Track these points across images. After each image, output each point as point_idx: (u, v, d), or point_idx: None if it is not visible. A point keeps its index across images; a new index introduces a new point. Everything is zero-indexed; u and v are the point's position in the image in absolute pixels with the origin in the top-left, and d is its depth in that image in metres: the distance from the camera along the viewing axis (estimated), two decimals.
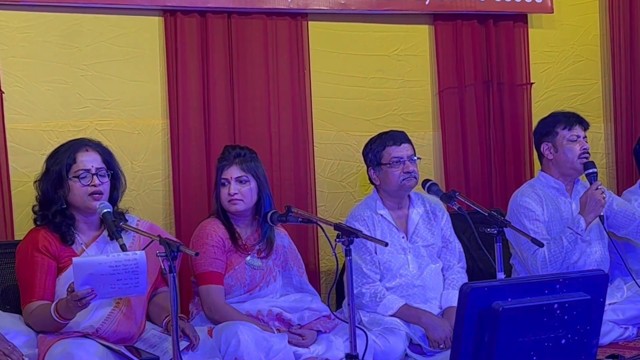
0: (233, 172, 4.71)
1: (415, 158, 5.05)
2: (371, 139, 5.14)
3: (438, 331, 4.76)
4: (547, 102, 6.44)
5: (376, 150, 5.06)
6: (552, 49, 6.59)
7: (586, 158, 5.19)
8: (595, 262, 5.18)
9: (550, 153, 5.27)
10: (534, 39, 6.45)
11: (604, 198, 5.07)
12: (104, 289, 3.76)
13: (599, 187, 5.08)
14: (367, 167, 5.12)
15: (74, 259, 3.80)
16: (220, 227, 4.71)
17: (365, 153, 5.14)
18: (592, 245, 5.20)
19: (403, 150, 5.02)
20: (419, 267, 5.04)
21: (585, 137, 5.28)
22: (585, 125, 5.31)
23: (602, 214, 5.10)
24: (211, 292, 4.60)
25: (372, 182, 5.14)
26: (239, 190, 4.69)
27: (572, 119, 5.28)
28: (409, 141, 5.09)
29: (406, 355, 4.74)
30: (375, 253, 4.98)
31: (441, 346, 4.73)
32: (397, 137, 5.06)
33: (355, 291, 4.40)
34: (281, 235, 4.91)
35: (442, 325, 4.79)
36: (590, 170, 5.13)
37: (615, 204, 5.34)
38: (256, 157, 4.83)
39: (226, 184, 4.71)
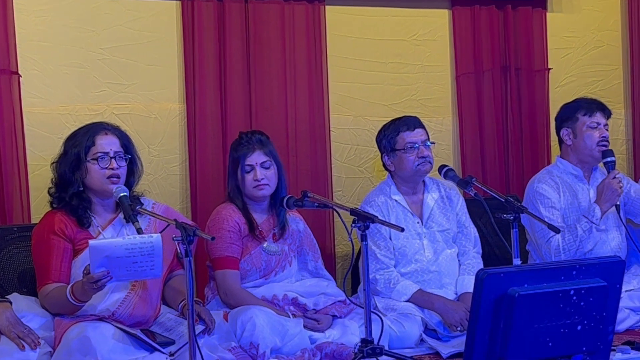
0: (257, 157, 4.72)
1: (430, 143, 5.05)
2: (384, 126, 5.14)
3: (453, 315, 4.77)
4: (567, 88, 6.43)
5: (390, 136, 5.05)
6: (573, 34, 6.57)
7: (605, 146, 5.18)
8: (612, 249, 5.17)
9: (570, 139, 5.26)
10: (554, 23, 6.43)
11: (620, 187, 5.06)
12: (120, 272, 3.78)
13: (617, 176, 5.07)
14: (381, 154, 5.12)
15: (90, 241, 3.82)
16: (236, 211, 4.72)
17: (378, 140, 5.13)
18: (609, 232, 5.19)
19: (417, 135, 5.02)
20: (434, 253, 5.05)
21: (606, 125, 5.25)
22: (607, 113, 5.28)
23: (618, 203, 5.09)
24: (227, 276, 4.62)
25: (386, 169, 5.14)
26: (265, 175, 4.71)
27: (593, 106, 5.26)
28: (422, 126, 5.08)
29: (422, 340, 4.75)
30: (390, 239, 4.99)
31: (459, 329, 4.73)
32: (411, 123, 5.05)
33: (368, 275, 4.42)
34: (296, 220, 4.93)
35: (455, 309, 4.79)
36: (609, 159, 5.12)
37: (633, 191, 5.32)
38: (271, 141, 4.85)
39: (250, 170, 4.71)
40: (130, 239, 3.79)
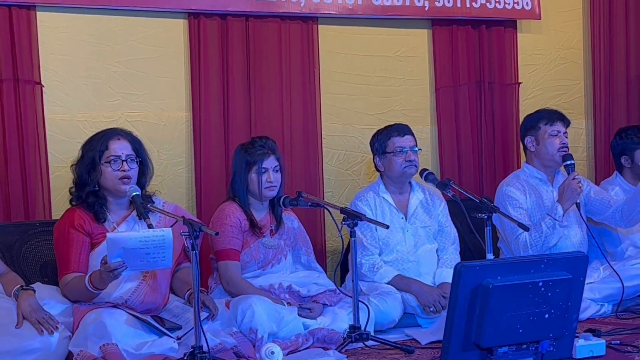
0: (272, 162, 4.73)
1: (417, 149, 5.08)
2: (378, 130, 5.16)
3: (427, 297, 4.81)
4: (535, 101, 6.43)
5: (382, 140, 5.08)
6: (540, 52, 6.58)
7: (565, 151, 5.18)
8: (574, 244, 5.19)
9: (533, 145, 5.27)
10: (523, 43, 6.44)
11: (580, 187, 5.06)
12: (134, 262, 3.79)
13: (576, 177, 5.07)
14: (374, 155, 5.15)
15: (108, 234, 3.83)
16: (238, 209, 4.72)
17: (372, 143, 5.16)
18: (571, 228, 5.20)
19: (406, 141, 5.05)
20: (414, 245, 5.07)
21: (565, 132, 5.26)
22: (566, 122, 5.29)
23: (578, 201, 5.10)
24: (229, 267, 4.63)
25: (377, 169, 5.17)
26: (275, 178, 4.72)
27: (554, 116, 5.27)
28: (411, 133, 5.11)
29: (403, 318, 4.79)
30: (376, 230, 5.00)
31: (432, 309, 4.77)
32: (401, 129, 5.09)
33: (356, 262, 4.45)
34: (291, 219, 4.93)
35: (430, 292, 4.83)
36: (569, 162, 5.13)
37: (592, 192, 5.33)
38: None
39: (264, 172, 4.70)
40: (144, 232, 3.80)
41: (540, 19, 6.41)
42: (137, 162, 4.31)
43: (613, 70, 6.72)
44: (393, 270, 4.96)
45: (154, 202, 4.32)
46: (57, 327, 3.95)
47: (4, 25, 4.97)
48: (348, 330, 4.36)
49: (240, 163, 4.75)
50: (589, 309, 4.95)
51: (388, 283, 4.91)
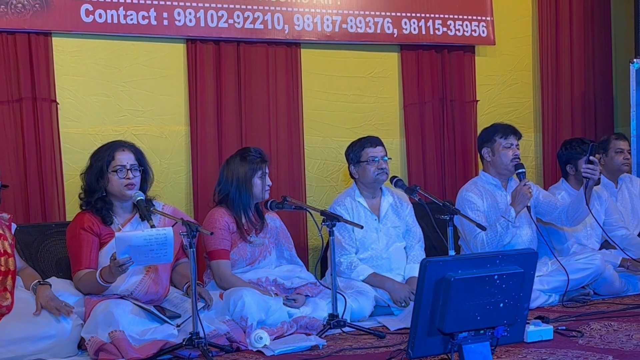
0: (267, 168, 4.72)
1: (387, 158, 5.08)
2: (352, 142, 5.15)
3: (399, 293, 4.80)
4: (490, 116, 6.44)
5: (356, 150, 5.07)
6: (495, 74, 6.61)
7: (517, 161, 5.18)
8: (525, 242, 5.20)
9: (489, 156, 5.27)
10: (480, 65, 6.46)
11: (530, 192, 5.07)
12: (140, 258, 3.79)
13: (527, 183, 5.08)
14: (349, 164, 5.13)
15: (116, 233, 3.84)
16: (226, 213, 4.69)
17: (347, 153, 5.14)
18: (522, 228, 5.21)
19: (378, 151, 5.05)
20: (386, 244, 5.06)
21: (517, 145, 5.26)
22: (518, 135, 5.30)
23: (528, 204, 5.12)
24: (220, 266, 4.60)
25: (352, 177, 5.15)
26: (270, 182, 4.72)
27: (508, 130, 5.27)
28: (382, 144, 5.10)
29: (372, 314, 4.76)
30: (353, 231, 4.99)
31: (402, 304, 4.77)
32: (373, 141, 5.09)
33: (335, 260, 4.43)
34: (273, 219, 4.91)
35: (401, 288, 4.82)
36: (520, 170, 5.12)
37: (541, 196, 5.34)
38: None
39: (263, 176, 4.69)
40: (148, 231, 3.80)
41: (494, 44, 6.44)
42: (139, 170, 4.30)
43: (559, 89, 6.76)
44: (368, 268, 4.94)
45: (154, 206, 4.31)
46: (72, 311, 3.95)
47: (24, 50, 4.97)
48: (327, 318, 4.36)
49: (241, 171, 4.67)
50: (538, 298, 4.96)
51: (364, 280, 4.88)
